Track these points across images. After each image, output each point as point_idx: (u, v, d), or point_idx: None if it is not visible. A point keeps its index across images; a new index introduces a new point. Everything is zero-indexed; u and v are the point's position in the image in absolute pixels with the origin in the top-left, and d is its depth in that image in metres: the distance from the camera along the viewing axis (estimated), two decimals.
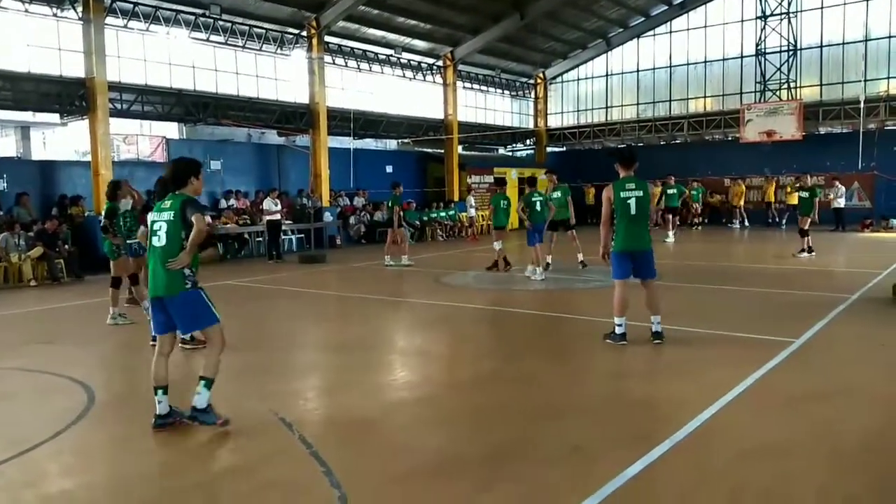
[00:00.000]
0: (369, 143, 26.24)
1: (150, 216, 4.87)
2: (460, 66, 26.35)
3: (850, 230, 21.20)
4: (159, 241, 4.72)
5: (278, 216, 17.13)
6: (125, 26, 17.28)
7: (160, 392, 4.79)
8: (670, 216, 19.64)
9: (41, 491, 3.93)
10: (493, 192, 17.30)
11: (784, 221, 23.64)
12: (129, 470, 4.22)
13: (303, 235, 19.75)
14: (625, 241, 6.87)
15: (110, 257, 9.02)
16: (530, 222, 12.27)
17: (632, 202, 6.82)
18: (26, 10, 15.51)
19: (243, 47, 19.90)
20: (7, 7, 15.21)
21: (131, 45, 17.75)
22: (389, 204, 15.64)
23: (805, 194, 15.11)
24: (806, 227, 14.68)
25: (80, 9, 15.77)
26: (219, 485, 3.92)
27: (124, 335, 8.48)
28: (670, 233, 18.96)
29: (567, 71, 30.78)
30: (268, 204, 17.36)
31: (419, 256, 16.52)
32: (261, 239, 18.72)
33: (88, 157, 16.75)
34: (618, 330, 6.98)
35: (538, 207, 12.16)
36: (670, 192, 19.61)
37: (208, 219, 4.60)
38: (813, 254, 14.46)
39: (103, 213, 9.04)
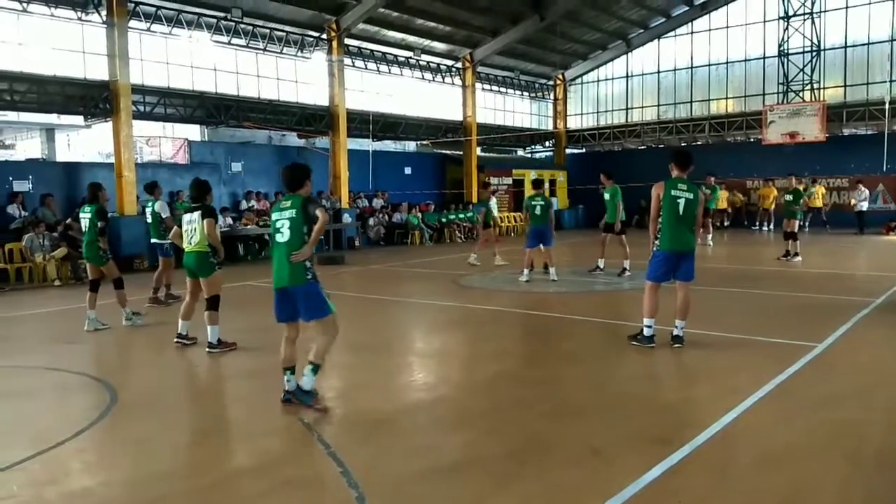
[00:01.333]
0: (388, 145, 26.33)
1: (273, 215, 5.25)
2: (479, 68, 26.34)
3: (873, 233, 20.89)
4: (283, 236, 5.12)
5: None
6: (148, 29, 17.48)
7: (288, 372, 5.24)
8: (706, 219, 18.74)
9: (63, 488, 3.99)
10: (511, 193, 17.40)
11: (807, 224, 23.31)
12: (149, 468, 4.26)
13: (322, 237, 19.83)
14: (671, 241, 6.80)
15: (97, 264, 8.62)
16: (530, 225, 12.27)
17: (681, 202, 6.75)
18: (52, 14, 15.75)
19: (264, 50, 20.05)
20: (33, 11, 15.46)
21: (154, 48, 17.95)
22: (476, 205, 15.70)
23: (789, 197, 14.90)
24: (789, 230, 14.51)
25: (103, 12, 15.98)
26: (237, 484, 3.95)
27: (145, 335, 8.57)
28: (709, 236, 18.30)
29: (587, 72, 30.65)
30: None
31: (437, 259, 16.52)
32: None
33: (112, 159, 16.97)
34: (646, 332, 6.91)
35: (538, 211, 12.06)
36: (707, 192, 18.94)
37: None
38: (798, 258, 14.23)
39: (95, 215, 8.51)
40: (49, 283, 13.33)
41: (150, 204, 10.81)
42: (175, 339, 7.39)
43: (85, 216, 8.68)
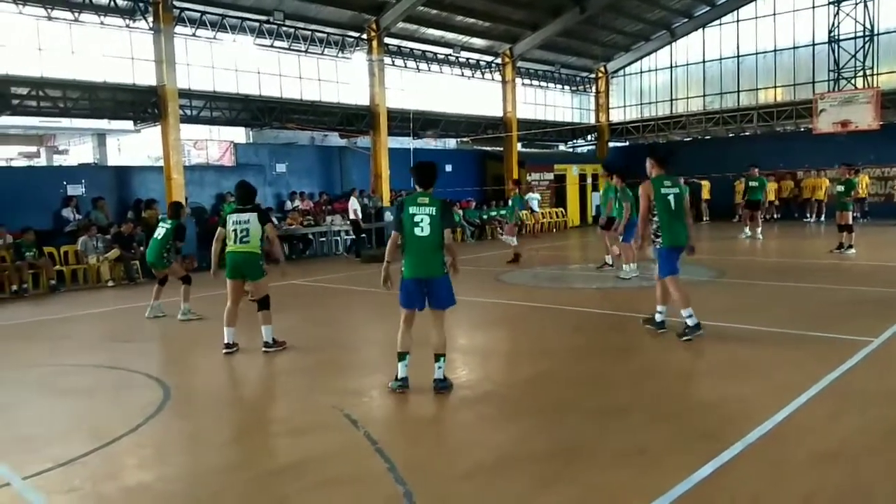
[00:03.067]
0: (429, 143, 26.39)
1: (410, 209, 5.49)
2: (519, 63, 26.17)
3: None
4: (422, 231, 5.45)
5: (360, 215, 17.82)
6: (193, 35, 17.87)
7: (406, 358, 5.56)
8: (749, 211, 18.26)
9: (121, 483, 4.12)
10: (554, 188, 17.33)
11: (858, 215, 22.60)
12: (202, 463, 4.38)
13: (364, 235, 20.02)
14: (673, 237, 7.10)
15: (160, 268, 9.54)
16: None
17: (671, 198, 7.08)
18: (101, 23, 16.20)
19: (306, 52, 20.30)
20: (84, 21, 15.94)
21: (199, 52, 18.34)
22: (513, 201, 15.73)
23: (840, 188, 14.41)
24: (842, 223, 14.08)
25: (150, 19, 16.39)
26: (286, 479, 4.02)
27: (197, 333, 8.78)
28: (747, 228, 17.93)
29: (629, 64, 30.17)
30: (353, 203, 17.96)
31: (478, 255, 16.50)
32: (324, 239, 19.15)
33: (161, 162, 17.41)
34: (691, 322, 6.94)
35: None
36: (752, 184, 18.01)
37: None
38: (852, 250, 13.78)
39: (172, 230, 9.41)
40: (103, 284, 13.75)
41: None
42: (224, 351, 7.25)
43: (163, 226, 9.53)
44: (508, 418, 5.03)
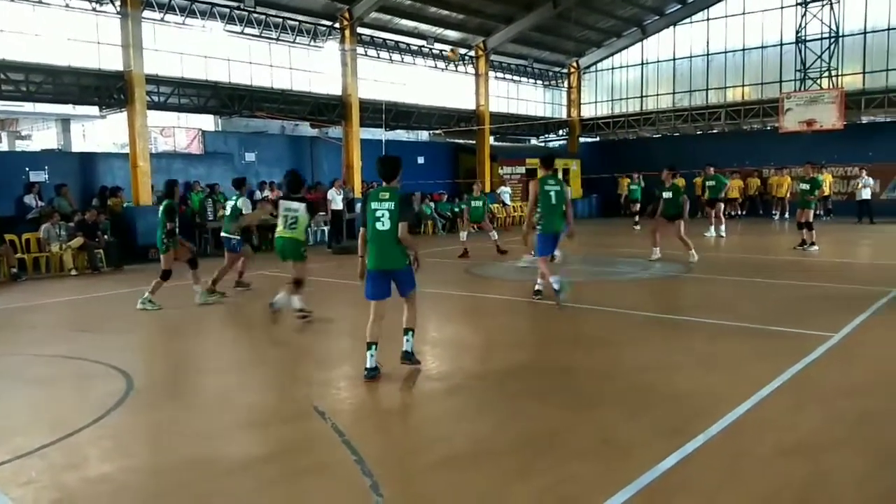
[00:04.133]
0: (401, 135, 26.29)
1: (372, 204, 5.70)
2: (492, 56, 26.19)
3: (891, 222, 20.66)
4: (383, 225, 5.65)
5: (341, 206, 17.71)
6: (162, 20, 17.53)
7: (373, 348, 5.65)
8: (711, 209, 18.48)
9: (82, 474, 4.03)
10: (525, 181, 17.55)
11: (822, 212, 23.15)
12: (166, 455, 4.31)
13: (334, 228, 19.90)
14: (549, 225, 8.76)
15: (161, 251, 9.41)
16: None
17: (552, 194, 8.68)
18: (67, 5, 15.81)
19: (277, 39, 20.05)
20: (49, 3, 15.53)
21: (168, 38, 18.00)
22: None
23: (805, 186, 14.69)
24: (803, 220, 14.41)
25: (117, 3, 16.03)
26: (251, 471, 3.98)
27: (163, 323, 8.65)
28: (711, 227, 17.99)
29: (601, 60, 30.38)
30: (331, 194, 17.83)
31: (450, 248, 16.51)
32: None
33: (127, 149, 17.07)
34: (555, 286, 8.44)
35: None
36: (709, 183, 18.42)
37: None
38: (815, 248, 14.05)
39: (163, 211, 9.29)
40: (66, 273, 13.47)
41: (233, 198, 10.96)
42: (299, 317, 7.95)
43: (159, 209, 9.52)
44: (478, 410, 5.04)
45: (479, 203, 15.35)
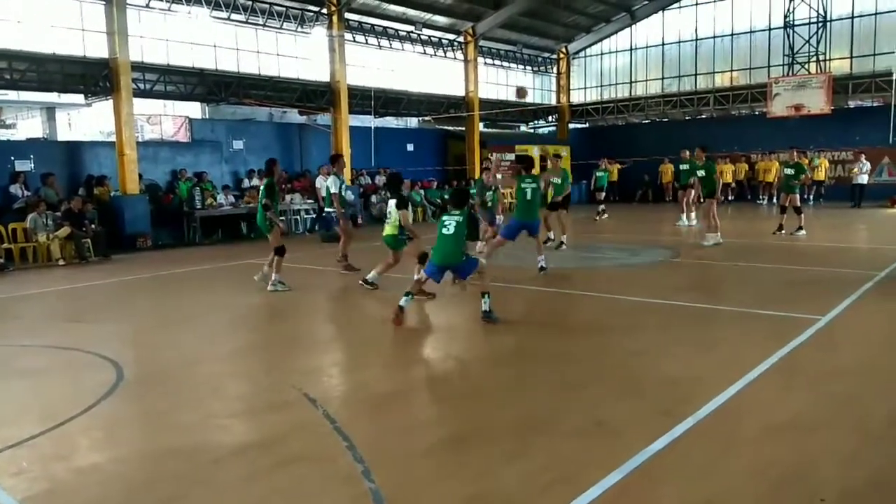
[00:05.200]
0: (390, 122, 26.17)
1: (444, 217, 7.34)
2: (481, 42, 26.05)
3: (877, 206, 20.81)
4: (449, 231, 7.22)
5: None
6: (147, 6, 17.31)
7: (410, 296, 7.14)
8: (683, 195, 17.63)
9: (72, 464, 4.02)
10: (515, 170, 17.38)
11: (811, 197, 23.29)
12: (157, 444, 4.30)
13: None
14: (521, 214, 10.15)
15: (264, 231, 9.64)
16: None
17: (528, 190, 10.03)
18: None
19: (264, 25, 19.86)
20: None
21: (153, 25, 17.79)
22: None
23: (790, 171, 14.68)
24: (786, 205, 14.53)
25: None
26: (244, 458, 3.98)
27: (154, 312, 8.62)
28: (683, 216, 17.27)
29: (590, 45, 30.28)
30: (319, 182, 17.64)
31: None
32: (283, 218, 18.92)
33: (113, 138, 16.90)
34: (483, 260, 8.50)
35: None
36: (682, 167, 17.40)
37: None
38: (802, 232, 14.03)
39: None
40: (53, 263, 13.36)
41: (330, 180, 11.64)
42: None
43: (260, 188, 9.81)
44: (469, 395, 5.06)
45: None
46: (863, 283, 8.64)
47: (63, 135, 24.87)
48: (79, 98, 19.53)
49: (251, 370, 6.06)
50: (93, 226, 14.51)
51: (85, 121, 25.80)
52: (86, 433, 4.53)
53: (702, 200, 13.74)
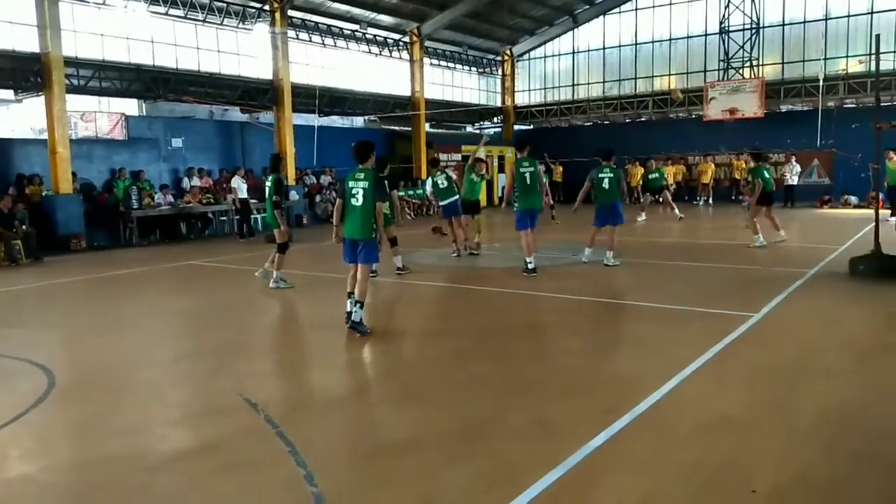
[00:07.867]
0: (335, 121, 25.93)
1: (349, 183, 6.71)
2: (427, 43, 26.09)
3: (808, 206, 21.71)
4: (358, 201, 6.65)
5: (246, 194, 17.18)
6: None
7: (352, 296, 6.71)
8: (650, 197, 19.43)
9: (2, 475, 3.87)
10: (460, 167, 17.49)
11: (699, 199, 24.53)
12: (91, 453, 4.17)
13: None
14: (525, 203, 9.75)
15: (272, 226, 9.63)
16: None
17: (527, 175, 9.66)
18: None
19: (204, 21, 19.43)
20: None
21: (87, 18, 17.20)
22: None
23: (654, 175, 15.62)
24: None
25: None
26: (182, 465, 3.90)
27: (88, 316, 8.33)
28: (643, 213, 18.45)
29: (534, 48, 30.69)
30: (236, 182, 17.32)
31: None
32: (224, 218, 18.57)
33: (45, 135, 16.27)
34: (531, 265, 9.70)
35: (605, 185, 12.81)
36: (652, 177, 19.10)
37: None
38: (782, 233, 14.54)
39: (271, 185, 9.41)
40: None
41: (437, 176, 12.30)
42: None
43: (267, 184, 9.67)
44: (413, 398, 5.06)
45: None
46: (794, 280, 9.00)
47: None
48: (8, 94, 18.71)
49: (191, 375, 5.93)
50: (24, 227, 13.94)
51: (15, 117, 24.71)
52: (15, 442, 4.36)
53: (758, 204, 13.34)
